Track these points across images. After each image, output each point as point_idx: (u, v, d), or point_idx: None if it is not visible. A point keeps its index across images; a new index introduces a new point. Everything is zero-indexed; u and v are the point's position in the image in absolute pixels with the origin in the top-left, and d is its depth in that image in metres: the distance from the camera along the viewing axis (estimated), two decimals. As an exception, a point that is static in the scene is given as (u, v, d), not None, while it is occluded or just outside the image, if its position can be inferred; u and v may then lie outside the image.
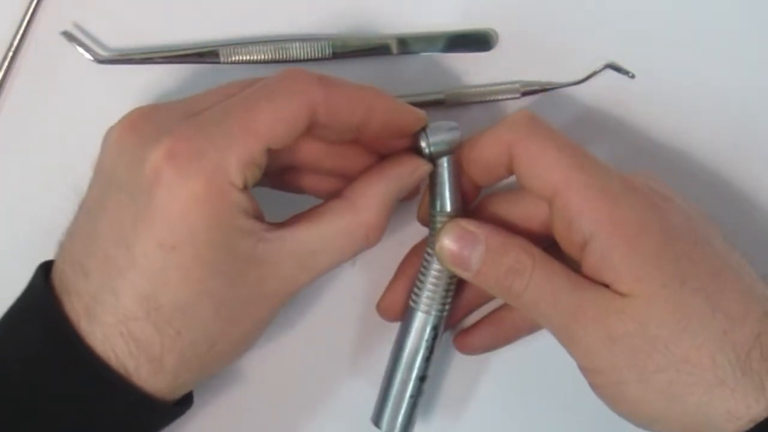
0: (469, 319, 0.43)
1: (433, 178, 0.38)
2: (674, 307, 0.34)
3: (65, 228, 0.36)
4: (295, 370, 0.44)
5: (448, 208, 0.38)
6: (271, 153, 0.35)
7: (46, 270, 0.36)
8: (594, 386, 0.36)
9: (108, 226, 0.34)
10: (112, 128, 0.36)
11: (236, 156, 0.34)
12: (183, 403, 0.37)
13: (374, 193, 0.37)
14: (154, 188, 0.33)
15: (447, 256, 0.37)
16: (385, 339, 0.42)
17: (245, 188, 0.34)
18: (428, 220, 0.39)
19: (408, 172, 0.38)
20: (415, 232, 0.42)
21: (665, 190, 0.38)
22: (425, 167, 0.38)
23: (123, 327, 0.34)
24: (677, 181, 0.39)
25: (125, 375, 0.34)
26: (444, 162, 0.38)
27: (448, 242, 0.37)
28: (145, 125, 0.35)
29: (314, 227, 0.36)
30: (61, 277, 0.35)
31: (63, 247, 0.36)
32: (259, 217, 0.35)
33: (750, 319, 0.34)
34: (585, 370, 0.36)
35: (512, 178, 0.38)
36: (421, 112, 0.38)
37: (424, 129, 0.38)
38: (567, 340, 0.36)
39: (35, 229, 0.36)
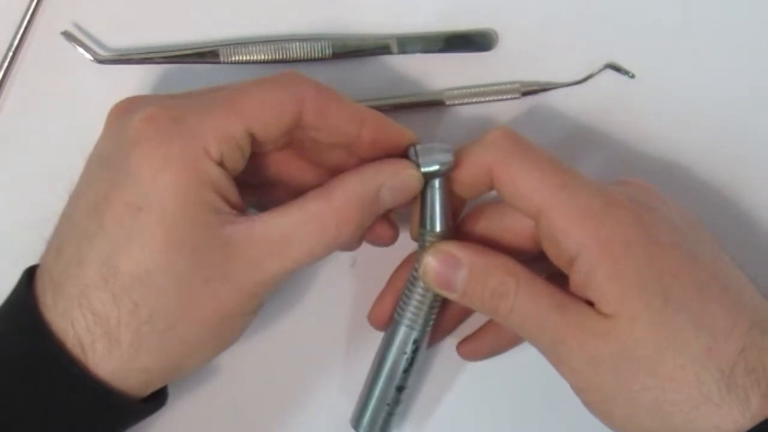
0: (469, 325, 0.43)
1: (423, 198, 0.38)
2: (658, 327, 0.34)
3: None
4: (292, 368, 0.44)
5: (438, 228, 0.38)
6: (256, 143, 0.35)
7: (29, 273, 0.36)
8: (585, 403, 0.36)
9: (85, 200, 0.35)
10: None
11: (215, 126, 0.34)
12: (156, 401, 0.37)
13: (350, 184, 0.36)
14: (131, 150, 0.34)
15: (432, 279, 0.37)
16: (380, 341, 0.42)
17: (222, 165, 0.34)
18: (418, 238, 0.39)
19: (391, 171, 0.37)
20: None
21: (652, 199, 0.37)
22: (411, 172, 0.37)
23: (83, 298, 0.34)
24: (675, 182, 0.39)
25: (80, 354, 0.34)
26: (435, 183, 0.38)
27: (431, 266, 0.37)
28: (133, 104, 0.36)
29: (285, 213, 0.36)
30: (41, 267, 0.36)
31: (48, 239, 0.36)
32: (234, 202, 0.35)
33: (735, 333, 0.34)
34: (574, 389, 0.36)
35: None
36: (410, 132, 0.38)
37: (415, 149, 0.37)
38: (554, 360, 0.36)
39: (34, 228, 0.36)
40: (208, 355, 0.37)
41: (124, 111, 0.36)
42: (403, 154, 0.38)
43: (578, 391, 0.36)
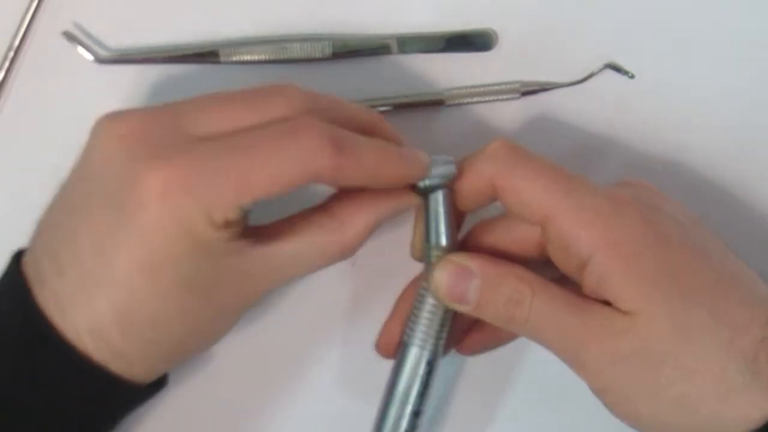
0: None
1: (427, 212, 0.38)
2: (677, 322, 0.34)
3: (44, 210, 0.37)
4: (291, 365, 0.44)
5: (444, 242, 0.38)
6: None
7: (19, 256, 0.36)
8: (608, 405, 0.36)
9: (89, 232, 0.34)
10: (101, 127, 0.35)
11: (224, 203, 0.34)
12: (155, 385, 0.38)
13: (362, 219, 0.37)
14: (141, 212, 0.33)
15: (443, 294, 0.37)
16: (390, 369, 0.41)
17: (231, 224, 0.34)
18: (422, 254, 0.39)
19: (397, 203, 0.38)
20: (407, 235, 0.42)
21: (655, 199, 0.37)
22: (416, 202, 0.38)
23: (94, 328, 0.34)
24: (676, 182, 0.39)
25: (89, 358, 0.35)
26: (439, 196, 0.38)
27: (443, 279, 0.37)
28: (139, 139, 0.34)
29: (295, 239, 0.36)
30: (35, 265, 0.35)
31: (40, 232, 0.36)
32: (241, 232, 0.35)
33: (754, 325, 0.34)
34: (596, 391, 0.36)
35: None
36: (424, 162, 0.37)
37: None
38: (574, 363, 0.36)
39: (34, 227, 0.36)
40: (206, 349, 0.39)
41: (130, 146, 0.34)
42: None
43: (601, 393, 0.36)
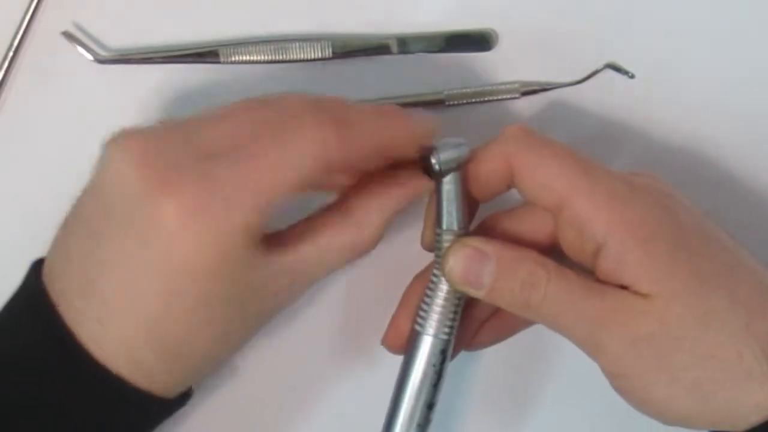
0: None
1: (439, 196, 0.38)
2: (695, 305, 0.34)
3: (59, 224, 0.36)
4: (292, 365, 0.44)
5: (456, 226, 0.37)
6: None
7: (38, 268, 0.36)
8: (622, 391, 0.36)
9: (111, 257, 0.34)
10: (113, 150, 0.34)
11: (245, 214, 0.33)
12: (181, 397, 0.38)
13: (378, 215, 0.37)
14: (163, 239, 0.33)
15: (457, 277, 0.37)
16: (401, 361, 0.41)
17: (254, 236, 0.34)
18: (433, 242, 0.39)
19: (411, 193, 0.38)
20: (418, 231, 0.42)
21: (667, 187, 0.38)
22: (429, 188, 0.38)
23: (127, 352, 0.34)
24: (677, 180, 0.39)
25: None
26: (452, 179, 0.37)
27: (457, 263, 0.36)
28: (152, 162, 0.34)
29: (314, 244, 0.36)
30: (54, 284, 0.35)
31: (58, 252, 0.36)
32: (263, 240, 0.35)
33: None
34: (612, 376, 0.36)
35: (508, 194, 0.38)
36: (429, 122, 0.38)
37: (433, 146, 0.37)
38: (591, 349, 0.36)
39: (34, 228, 0.36)
40: (229, 360, 0.40)
41: (144, 169, 0.33)
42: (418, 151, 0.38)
43: (616, 377, 0.36)
